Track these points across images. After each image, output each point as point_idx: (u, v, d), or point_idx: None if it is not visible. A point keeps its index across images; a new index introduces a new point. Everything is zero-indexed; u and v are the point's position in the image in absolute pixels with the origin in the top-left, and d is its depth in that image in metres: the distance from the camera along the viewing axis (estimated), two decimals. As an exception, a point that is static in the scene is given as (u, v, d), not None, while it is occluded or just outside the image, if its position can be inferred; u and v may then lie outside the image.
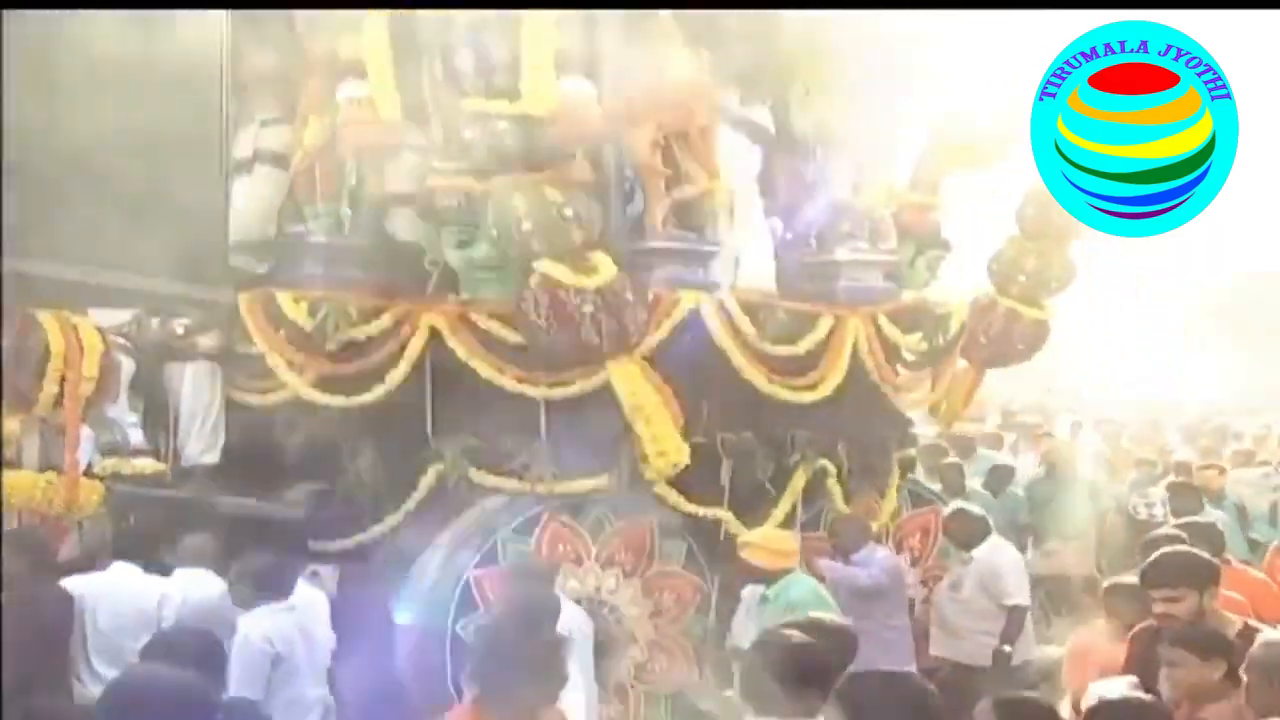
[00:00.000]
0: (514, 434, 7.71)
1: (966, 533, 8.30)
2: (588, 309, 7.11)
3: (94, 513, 7.22)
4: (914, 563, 8.89)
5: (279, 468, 7.69)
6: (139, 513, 7.27)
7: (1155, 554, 5.24)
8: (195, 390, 7.61)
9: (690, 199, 8.08)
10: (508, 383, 7.63)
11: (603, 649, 7.23)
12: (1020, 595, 8.13)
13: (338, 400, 7.60)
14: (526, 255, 7.21)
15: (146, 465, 7.38)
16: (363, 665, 6.48)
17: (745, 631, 6.99)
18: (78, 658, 5.90)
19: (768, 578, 6.89)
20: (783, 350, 8.11)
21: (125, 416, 7.35)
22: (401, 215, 8.07)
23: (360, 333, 7.67)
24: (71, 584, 6.04)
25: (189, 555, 6.53)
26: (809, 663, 4.04)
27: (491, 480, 7.64)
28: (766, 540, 7.07)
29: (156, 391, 7.56)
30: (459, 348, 7.65)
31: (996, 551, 8.24)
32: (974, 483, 10.93)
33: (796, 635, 4.32)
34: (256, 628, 5.67)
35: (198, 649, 4.48)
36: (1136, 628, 5.39)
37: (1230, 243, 15.81)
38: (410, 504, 7.64)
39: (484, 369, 7.64)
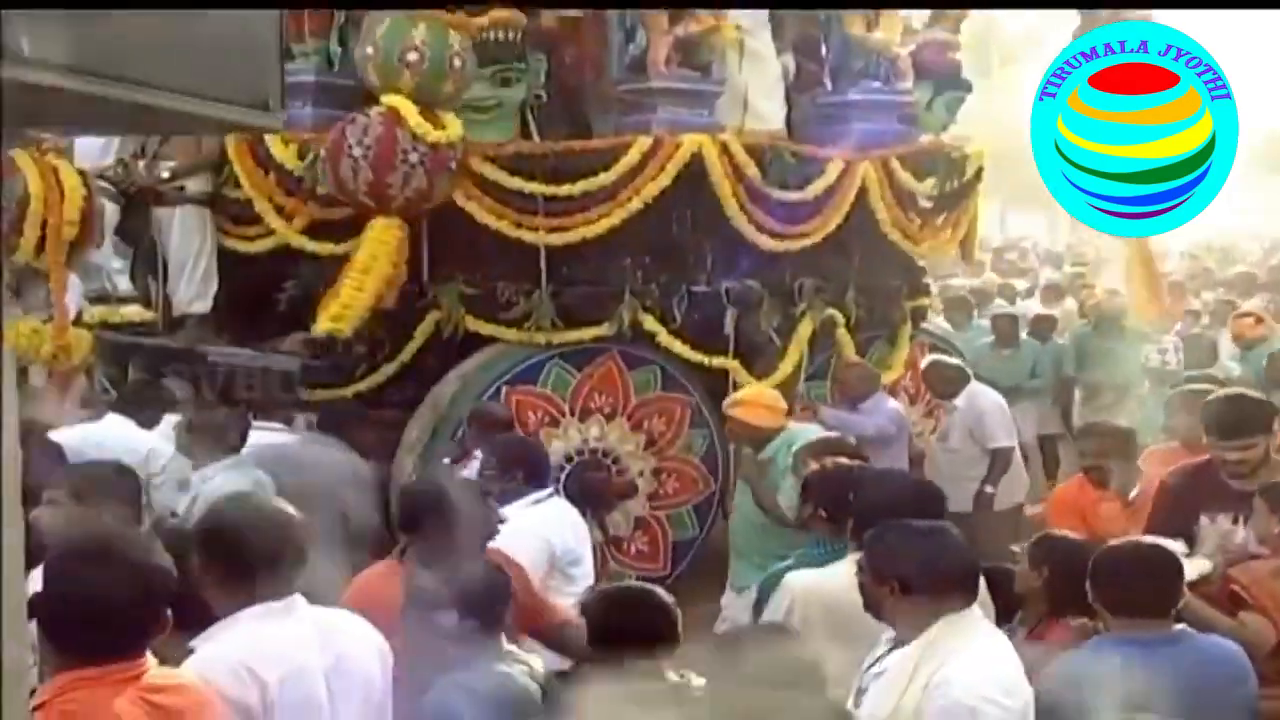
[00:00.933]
0: (514, 281, 7.52)
1: (944, 382, 8.18)
2: (412, 158, 6.76)
3: (84, 361, 7.15)
4: (913, 401, 8.74)
5: (273, 316, 7.56)
6: (129, 362, 7.19)
7: (1221, 404, 5.18)
8: (184, 236, 7.45)
9: (696, 36, 7.70)
10: (506, 228, 7.43)
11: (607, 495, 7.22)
12: (1005, 438, 8.10)
13: (330, 246, 7.41)
14: (389, 83, 6.85)
15: (135, 313, 7.27)
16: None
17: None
18: None
19: (760, 436, 6.68)
20: (791, 196, 7.83)
21: (111, 263, 7.22)
22: (393, 53, 7.76)
23: (352, 176, 7.43)
24: (60, 435, 5.93)
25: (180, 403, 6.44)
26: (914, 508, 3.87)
27: (489, 329, 7.47)
28: (757, 397, 6.85)
29: (144, 238, 7.41)
30: (455, 192, 7.40)
31: (978, 397, 8.14)
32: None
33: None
34: (211, 485, 5.44)
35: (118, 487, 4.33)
36: (1167, 473, 5.33)
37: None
38: (406, 354, 7.48)
39: (482, 214, 7.42)
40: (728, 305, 7.68)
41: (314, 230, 7.44)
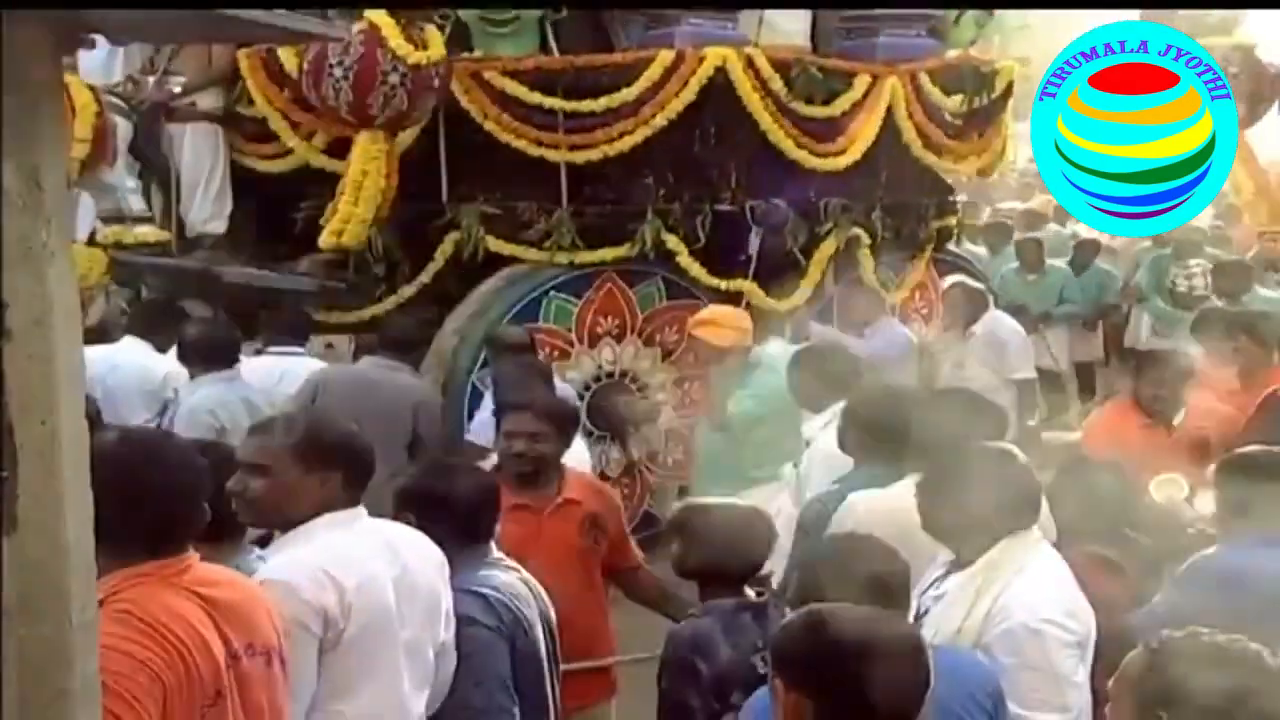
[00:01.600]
0: (534, 201, 7.37)
1: (967, 303, 7.99)
2: (393, 79, 6.57)
3: (99, 282, 7.04)
4: (926, 322, 8.59)
5: (289, 237, 7.41)
6: (144, 283, 7.07)
7: None
8: (195, 155, 7.27)
9: (717, -54, 7.50)
10: (526, 146, 7.26)
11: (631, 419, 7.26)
12: (1026, 368, 8.01)
13: (345, 165, 7.22)
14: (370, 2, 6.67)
15: (148, 233, 7.13)
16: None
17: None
18: None
19: (725, 357, 6.49)
20: (816, 111, 7.65)
21: (124, 182, 7.06)
22: (409, -35, 7.56)
23: (368, 92, 7.24)
24: None
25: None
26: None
27: (510, 249, 7.32)
28: (722, 317, 6.66)
29: (156, 156, 7.24)
30: (473, 108, 7.24)
31: (997, 324, 8.01)
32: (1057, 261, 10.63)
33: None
34: (196, 397, 5.58)
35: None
36: (1270, 390, 5.39)
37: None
38: (426, 276, 7.34)
39: (501, 132, 7.26)
40: (752, 225, 7.53)
41: (332, 148, 7.26)
